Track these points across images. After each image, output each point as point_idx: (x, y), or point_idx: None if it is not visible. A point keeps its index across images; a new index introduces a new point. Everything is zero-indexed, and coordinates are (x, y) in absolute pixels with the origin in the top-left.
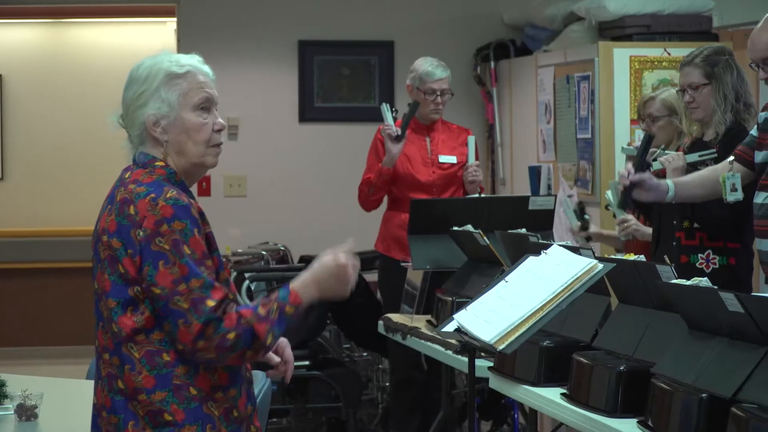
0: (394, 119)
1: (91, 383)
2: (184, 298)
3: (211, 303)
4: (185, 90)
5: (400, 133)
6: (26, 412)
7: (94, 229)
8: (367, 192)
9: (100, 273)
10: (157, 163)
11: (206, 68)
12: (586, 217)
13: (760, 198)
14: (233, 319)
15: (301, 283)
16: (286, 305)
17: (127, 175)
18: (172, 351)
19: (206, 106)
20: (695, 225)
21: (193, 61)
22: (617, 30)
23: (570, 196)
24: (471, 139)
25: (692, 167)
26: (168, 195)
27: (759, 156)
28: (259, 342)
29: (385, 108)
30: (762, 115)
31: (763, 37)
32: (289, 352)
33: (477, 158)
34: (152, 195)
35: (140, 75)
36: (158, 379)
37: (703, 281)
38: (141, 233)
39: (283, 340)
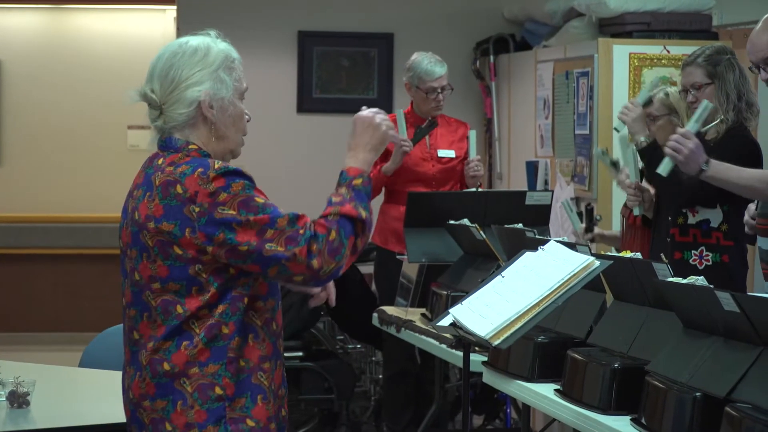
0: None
1: (84, 370)
2: (276, 241)
3: (302, 230)
4: (239, 77)
5: (412, 147)
6: (18, 399)
7: (125, 220)
8: None
9: (148, 262)
10: (191, 147)
11: None
12: (598, 218)
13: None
14: (322, 223)
15: (347, 159)
16: (351, 181)
17: (159, 161)
18: (231, 323)
19: (244, 95)
20: (689, 221)
21: (234, 49)
22: (617, 27)
23: (572, 199)
24: (472, 134)
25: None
26: (216, 166)
27: None
28: (356, 219)
29: (401, 117)
30: None
31: (762, 37)
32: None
33: (483, 149)
34: (200, 169)
35: (194, 52)
36: (213, 351)
37: (699, 280)
38: (197, 209)
39: None
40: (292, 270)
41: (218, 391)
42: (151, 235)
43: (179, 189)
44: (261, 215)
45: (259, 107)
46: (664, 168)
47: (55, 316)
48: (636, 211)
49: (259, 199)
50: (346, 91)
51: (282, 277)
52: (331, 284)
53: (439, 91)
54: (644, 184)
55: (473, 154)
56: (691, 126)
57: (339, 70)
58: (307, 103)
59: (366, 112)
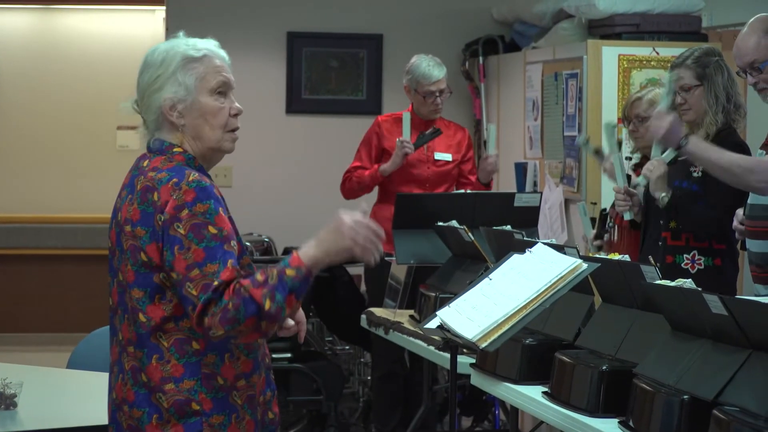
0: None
1: (72, 372)
2: (194, 285)
3: (216, 283)
4: (202, 74)
5: (414, 150)
6: (5, 401)
7: (112, 220)
8: (357, 187)
9: (124, 264)
10: (175, 149)
11: (222, 53)
12: (610, 224)
13: (750, 198)
14: (231, 290)
15: (304, 247)
16: (286, 268)
17: (145, 164)
18: (201, 339)
19: (223, 90)
20: (680, 226)
21: (209, 45)
22: (606, 28)
23: (591, 203)
24: (492, 128)
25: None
26: (190, 178)
27: None
28: (259, 306)
29: (407, 120)
30: None
31: (749, 41)
32: (300, 313)
33: (478, 148)
34: (174, 180)
35: (156, 59)
36: (187, 367)
37: (687, 282)
38: (162, 218)
39: None
40: (193, 319)
41: (194, 406)
42: (126, 238)
43: (155, 196)
44: (201, 248)
45: (248, 108)
46: (667, 156)
47: (44, 317)
48: (626, 216)
49: (213, 229)
50: (335, 92)
51: (192, 321)
52: (304, 320)
53: (437, 94)
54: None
55: (492, 150)
56: (663, 104)
57: (328, 71)
58: (296, 104)
59: (349, 218)
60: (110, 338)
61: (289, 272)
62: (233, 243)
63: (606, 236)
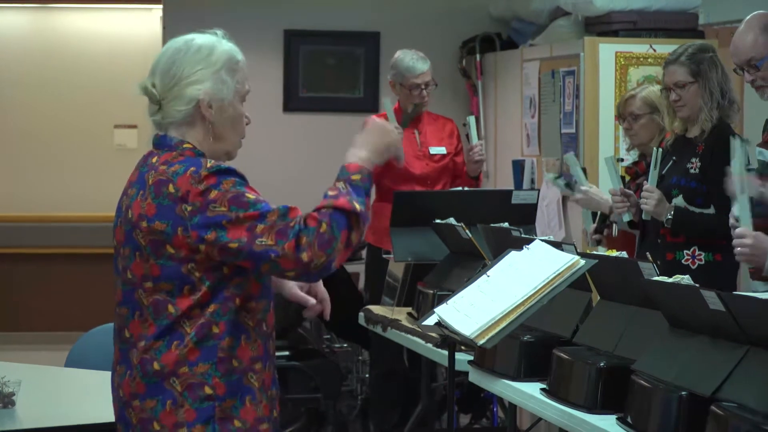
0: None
1: (70, 370)
2: (266, 236)
3: (293, 223)
4: (241, 79)
5: (402, 131)
6: (3, 399)
7: (119, 218)
8: None
9: (141, 261)
10: (185, 145)
11: None
12: (610, 220)
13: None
14: (314, 216)
15: (349, 154)
16: (349, 176)
17: (154, 160)
18: (222, 322)
19: (245, 98)
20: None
21: (239, 51)
22: (603, 26)
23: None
24: (471, 119)
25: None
26: (208, 164)
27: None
28: (350, 212)
29: (388, 105)
30: None
31: (746, 39)
32: (323, 290)
33: (480, 137)
34: (192, 168)
35: (198, 50)
36: (203, 351)
37: (685, 279)
38: (189, 207)
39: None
40: (283, 265)
41: (208, 390)
42: (143, 234)
43: (171, 188)
44: (251, 211)
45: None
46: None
47: (41, 316)
48: (625, 218)
49: (250, 195)
50: (332, 89)
51: (275, 273)
52: (327, 297)
53: (423, 87)
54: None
55: (475, 140)
56: (651, 179)
57: (325, 69)
58: (293, 102)
59: (383, 121)
60: (114, 337)
61: (355, 177)
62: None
63: (606, 231)
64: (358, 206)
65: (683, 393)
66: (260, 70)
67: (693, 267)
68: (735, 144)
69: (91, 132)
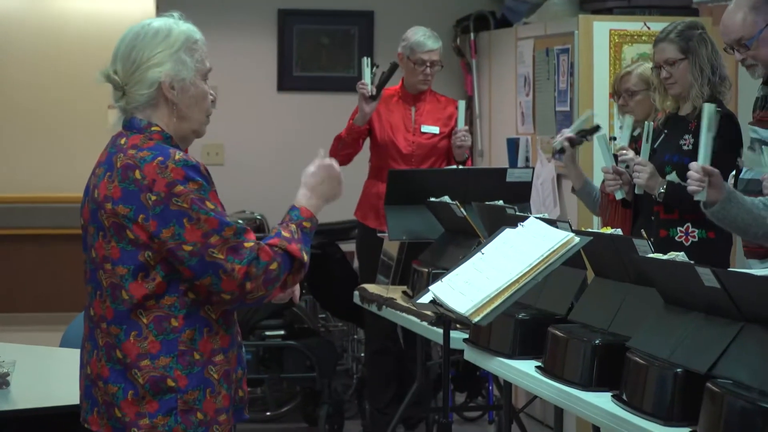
0: (373, 75)
1: (65, 350)
2: (219, 249)
3: (248, 244)
4: (201, 57)
5: (375, 93)
6: None
7: (87, 198)
8: (337, 147)
9: (103, 242)
10: (153, 128)
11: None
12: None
13: (743, 174)
14: (267, 251)
15: (302, 198)
16: (302, 222)
17: (122, 141)
18: (180, 316)
19: (207, 76)
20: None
21: (197, 30)
22: (597, 3)
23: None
24: (461, 104)
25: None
26: (177, 157)
27: (766, 134)
28: (297, 261)
29: (366, 63)
30: None
31: (735, 18)
32: None
33: (466, 124)
34: (159, 158)
35: (156, 34)
36: (164, 344)
37: (680, 256)
38: (153, 197)
39: None
40: (224, 286)
41: (170, 383)
42: (107, 216)
43: (138, 175)
44: (210, 216)
45: (239, 86)
46: (623, 136)
47: (36, 296)
48: (618, 195)
49: (210, 204)
50: (326, 69)
51: (211, 288)
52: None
53: (428, 65)
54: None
55: (461, 125)
56: (643, 153)
57: (319, 48)
58: (287, 82)
59: (333, 162)
60: (84, 314)
61: (307, 225)
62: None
63: (576, 147)
64: (305, 256)
65: (678, 370)
66: (254, 50)
67: (686, 244)
68: (707, 108)
69: (84, 112)
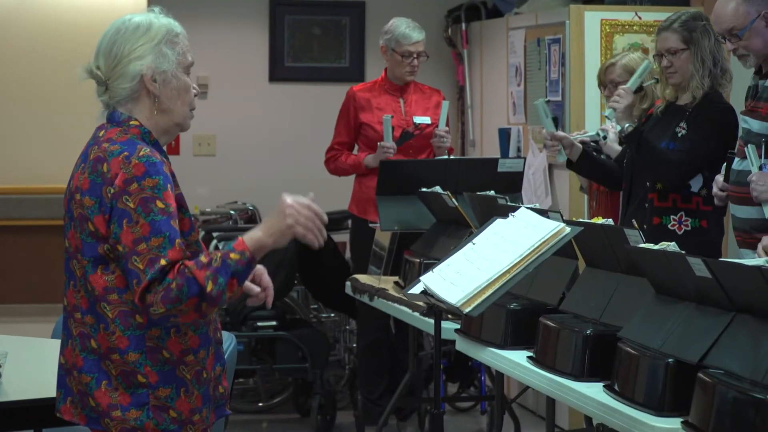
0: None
1: (57, 342)
2: (141, 258)
3: (163, 262)
4: (182, 50)
5: (395, 151)
6: None
7: (67, 187)
8: (339, 172)
9: (73, 231)
10: (131, 122)
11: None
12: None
13: (735, 164)
14: (176, 269)
15: (249, 231)
16: (230, 252)
17: (101, 134)
18: (145, 314)
19: (190, 69)
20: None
21: (178, 24)
22: None
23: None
24: (445, 105)
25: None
26: (141, 153)
27: (755, 125)
28: (201, 288)
29: (388, 123)
30: (761, 82)
31: (727, 8)
32: (267, 279)
33: (447, 124)
34: (125, 153)
35: (137, 28)
36: (132, 340)
37: (671, 246)
38: (111, 190)
39: (260, 267)
40: (134, 293)
41: (140, 378)
42: (76, 206)
43: (105, 167)
44: (147, 222)
45: (231, 77)
46: (633, 83)
47: (28, 288)
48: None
49: (160, 204)
50: (318, 59)
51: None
52: (270, 285)
53: (415, 56)
54: (559, 132)
55: (443, 125)
56: (631, 83)
57: (311, 39)
58: (279, 72)
59: (291, 199)
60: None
61: (233, 256)
62: (176, 222)
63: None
64: (210, 286)
65: (670, 360)
66: (246, 41)
67: (679, 233)
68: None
69: (77, 104)
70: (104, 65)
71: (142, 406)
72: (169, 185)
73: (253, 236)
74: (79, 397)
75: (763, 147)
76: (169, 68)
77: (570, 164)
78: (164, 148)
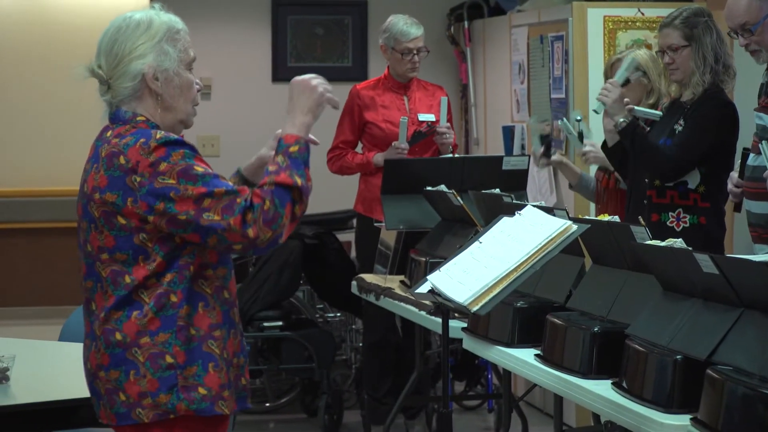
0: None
1: (64, 344)
2: (213, 210)
3: (239, 199)
4: (184, 47)
5: (407, 150)
6: None
7: (79, 192)
8: (345, 171)
9: (96, 233)
10: (138, 119)
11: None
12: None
13: (750, 160)
14: (258, 193)
15: (286, 125)
16: (287, 148)
17: (108, 134)
18: (179, 290)
19: (192, 66)
20: (665, 184)
21: (180, 20)
22: None
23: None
24: (444, 100)
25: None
26: (157, 135)
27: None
28: (292, 187)
29: (404, 125)
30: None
31: (740, 3)
32: None
33: (450, 119)
34: (142, 140)
35: (137, 26)
36: (163, 320)
37: (678, 242)
38: (138, 178)
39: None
40: (230, 239)
41: (169, 359)
42: (97, 206)
43: (122, 160)
44: (199, 185)
45: (234, 77)
46: (620, 76)
47: (34, 291)
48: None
49: (199, 168)
50: (321, 59)
51: (222, 246)
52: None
53: (415, 52)
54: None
55: (443, 121)
56: (618, 76)
57: (313, 39)
58: (282, 72)
59: (303, 76)
60: (83, 311)
61: (293, 149)
62: (223, 178)
63: (557, 157)
64: (299, 180)
65: (678, 357)
66: (248, 41)
67: (677, 229)
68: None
69: (79, 105)
70: (105, 64)
71: (171, 388)
72: (195, 153)
73: (295, 122)
74: (107, 397)
75: None
76: (171, 66)
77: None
78: None
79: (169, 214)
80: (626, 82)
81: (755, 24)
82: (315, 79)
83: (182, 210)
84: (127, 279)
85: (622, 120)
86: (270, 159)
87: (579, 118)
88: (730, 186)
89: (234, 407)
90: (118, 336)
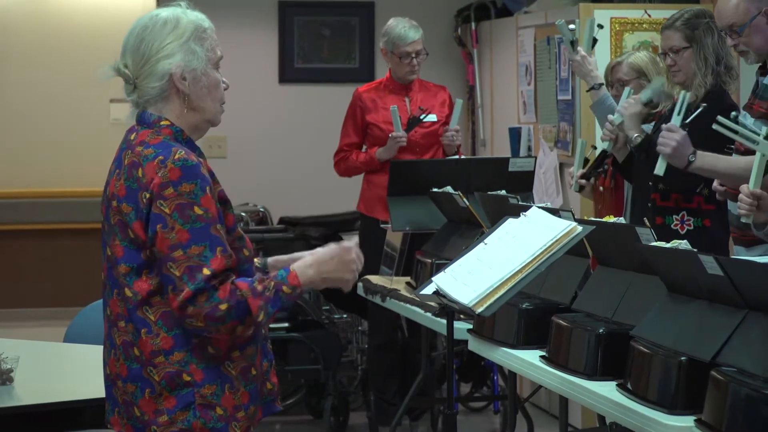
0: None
1: (69, 346)
2: (177, 265)
3: (207, 272)
4: (211, 46)
5: (406, 139)
6: (2, 376)
7: (103, 194)
8: (351, 172)
9: (113, 239)
10: (162, 123)
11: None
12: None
13: None
14: (227, 290)
15: (301, 264)
16: (283, 285)
17: (132, 137)
18: None
19: (219, 64)
20: (669, 187)
21: (206, 18)
22: None
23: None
24: (458, 103)
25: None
26: (176, 156)
27: (749, 122)
28: (251, 318)
29: (396, 113)
30: (761, 79)
31: (728, 4)
32: None
33: (468, 115)
34: (160, 157)
35: (164, 25)
36: (177, 339)
37: (683, 244)
38: (146, 195)
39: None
40: (168, 300)
41: (185, 377)
42: (113, 213)
43: (140, 173)
44: (185, 229)
45: (241, 78)
46: (659, 168)
47: (39, 292)
48: (606, 146)
49: (198, 210)
50: (327, 60)
51: (164, 296)
52: None
53: (414, 56)
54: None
55: (453, 124)
56: (675, 119)
57: (320, 40)
58: (288, 73)
59: (355, 251)
60: (103, 312)
61: (286, 290)
62: (219, 227)
63: (593, 179)
64: (261, 316)
65: (683, 358)
66: (255, 42)
67: (682, 232)
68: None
69: (86, 106)
70: (132, 63)
71: (188, 406)
72: (207, 187)
73: (306, 274)
74: (124, 407)
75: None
76: (198, 66)
77: (618, 181)
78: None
79: (149, 244)
80: (649, 101)
81: (742, 26)
82: (355, 264)
83: (157, 247)
84: (128, 292)
85: (636, 136)
86: (272, 265)
87: (573, 27)
88: (715, 184)
89: (259, 416)
90: (136, 351)
